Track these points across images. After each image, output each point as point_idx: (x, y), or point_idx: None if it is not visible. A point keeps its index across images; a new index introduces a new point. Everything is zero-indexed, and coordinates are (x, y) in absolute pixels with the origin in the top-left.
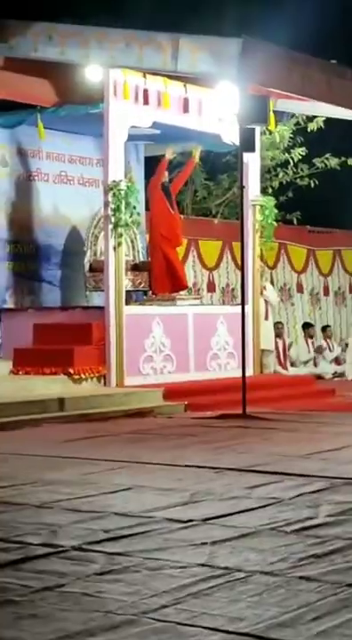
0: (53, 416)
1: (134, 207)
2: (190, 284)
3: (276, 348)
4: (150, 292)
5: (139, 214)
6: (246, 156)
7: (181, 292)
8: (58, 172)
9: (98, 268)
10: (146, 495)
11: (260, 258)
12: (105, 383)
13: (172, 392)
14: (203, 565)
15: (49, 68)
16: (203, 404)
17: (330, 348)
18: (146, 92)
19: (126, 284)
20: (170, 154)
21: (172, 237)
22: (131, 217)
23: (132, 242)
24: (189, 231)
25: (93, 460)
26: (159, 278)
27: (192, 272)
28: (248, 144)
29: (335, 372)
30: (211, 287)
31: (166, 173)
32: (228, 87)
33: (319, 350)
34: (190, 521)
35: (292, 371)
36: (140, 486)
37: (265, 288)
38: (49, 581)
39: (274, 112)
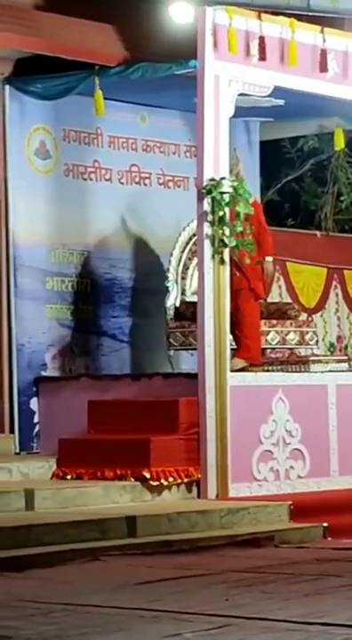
0: (119, 544)
1: (246, 219)
2: (332, 339)
3: None
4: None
5: (251, 229)
6: None
7: (316, 351)
8: (126, 165)
9: (188, 315)
10: None
11: None
12: (199, 494)
13: (303, 508)
14: None
15: (112, 7)
16: None
17: None
18: (262, 41)
19: (232, 339)
20: None
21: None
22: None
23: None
24: (330, 256)
25: (181, 613)
26: None
27: (334, 319)
28: None
29: None
30: None
31: None
32: None
33: None
34: None
35: None
36: None
37: None
38: None
39: None
